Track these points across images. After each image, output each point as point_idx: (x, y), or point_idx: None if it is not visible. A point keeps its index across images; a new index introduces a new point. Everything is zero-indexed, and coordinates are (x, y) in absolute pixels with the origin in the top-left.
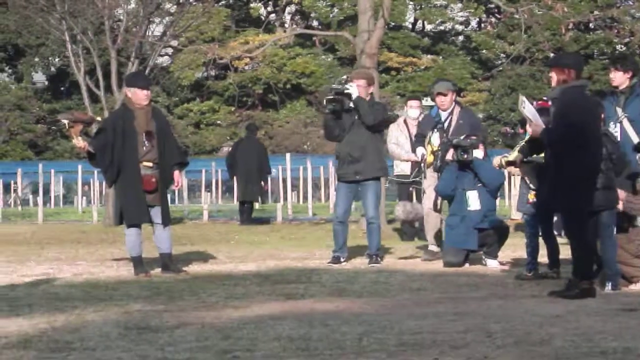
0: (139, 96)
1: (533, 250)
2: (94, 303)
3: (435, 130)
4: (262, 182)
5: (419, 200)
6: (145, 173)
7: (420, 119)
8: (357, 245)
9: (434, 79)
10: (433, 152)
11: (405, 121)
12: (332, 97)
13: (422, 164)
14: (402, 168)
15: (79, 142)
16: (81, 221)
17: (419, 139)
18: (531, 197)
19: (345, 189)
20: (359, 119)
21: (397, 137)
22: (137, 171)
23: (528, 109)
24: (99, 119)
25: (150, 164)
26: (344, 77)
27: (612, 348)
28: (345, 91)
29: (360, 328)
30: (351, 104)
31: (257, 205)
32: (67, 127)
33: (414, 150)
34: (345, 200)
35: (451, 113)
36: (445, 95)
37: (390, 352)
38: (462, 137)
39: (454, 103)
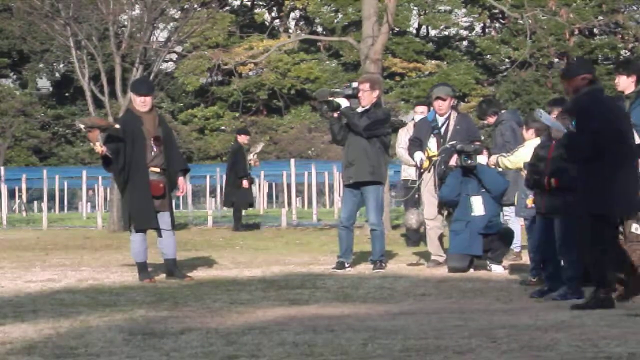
0: (136, 102)
1: (536, 255)
2: (99, 309)
3: (432, 135)
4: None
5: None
6: (152, 178)
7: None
8: (362, 250)
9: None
10: (429, 158)
11: (414, 126)
12: (324, 100)
13: (421, 169)
14: (409, 172)
15: (97, 147)
16: (85, 227)
17: (415, 143)
18: (530, 202)
19: (349, 193)
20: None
21: (406, 142)
22: (146, 176)
23: (545, 117)
24: (117, 126)
25: (158, 170)
26: (355, 83)
27: (617, 353)
28: (335, 100)
29: (365, 333)
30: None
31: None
32: (84, 132)
33: (411, 155)
34: (350, 205)
35: (448, 118)
36: (444, 100)
37: (395, 357)
38: (461, 143)
39: (451, 109)
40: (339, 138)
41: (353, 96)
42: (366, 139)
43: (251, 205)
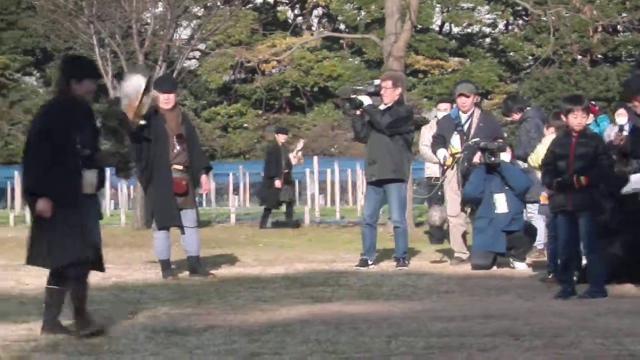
0: (160, 100)
1: (552, 252)
2: (122, 306)
3: (455, 132)
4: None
5: None
6: (175, 176)
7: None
8: (385, 248)
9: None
10: (452, 155)
11: (437, 123)
12: (347, 97)
13: (444, 166)
14: (432, 170)
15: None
16: (109, 224)
17: (438, 141)
18: (543, 198)
19: (372, 191)
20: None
21: (429, 139)
22: (169, 174)
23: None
24: (142, 122)
25: (181, 167)
26: (377, 80)
27: None
28: (358, 98)
29: (388, 331)
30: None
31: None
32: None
33: (434, 152)
34: (373, 202)
35: (471, 116)
36: (467, 96)
37: (418, 354)
38: (485, 140)
39: (474, 106)
40: (361, 136)
41: (375, 94)
42: (389, 136)
43: (281, 203)
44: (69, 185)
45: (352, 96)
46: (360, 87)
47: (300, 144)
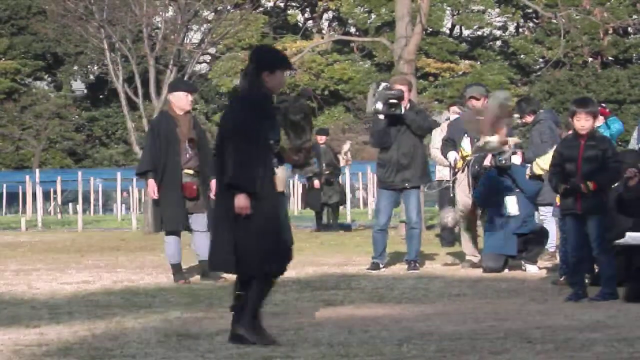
0: (184, 101)
1: (565, 255)
2: (134, 310)
3: (466, 135)
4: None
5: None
6: (186, 180)
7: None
8: (396, 251)
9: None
10: (463, 158)
11: (448, 126)
12: (391, 103)
13: (455, 169)
14: (444, 173)
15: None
16: (120, 229)
17: (449, 143)
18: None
19: (388, 196)
20: (409, 129)
21: (440, 142)
22: (179, 178)
23: None
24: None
25: (192, 172)
26: (385, 83)
27: None
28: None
29: (400, 334)
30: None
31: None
32: None
33: (445, 155)
34: (388, 208)
35: None
36: (478, 99)
37: (430, 358)
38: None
39: None
40: (384, 140)
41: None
42: (418, 139)
43: (327, 206)
44: (268, 183)
45: (392, 101)
46: (393, 92)
47: (347, 145)
